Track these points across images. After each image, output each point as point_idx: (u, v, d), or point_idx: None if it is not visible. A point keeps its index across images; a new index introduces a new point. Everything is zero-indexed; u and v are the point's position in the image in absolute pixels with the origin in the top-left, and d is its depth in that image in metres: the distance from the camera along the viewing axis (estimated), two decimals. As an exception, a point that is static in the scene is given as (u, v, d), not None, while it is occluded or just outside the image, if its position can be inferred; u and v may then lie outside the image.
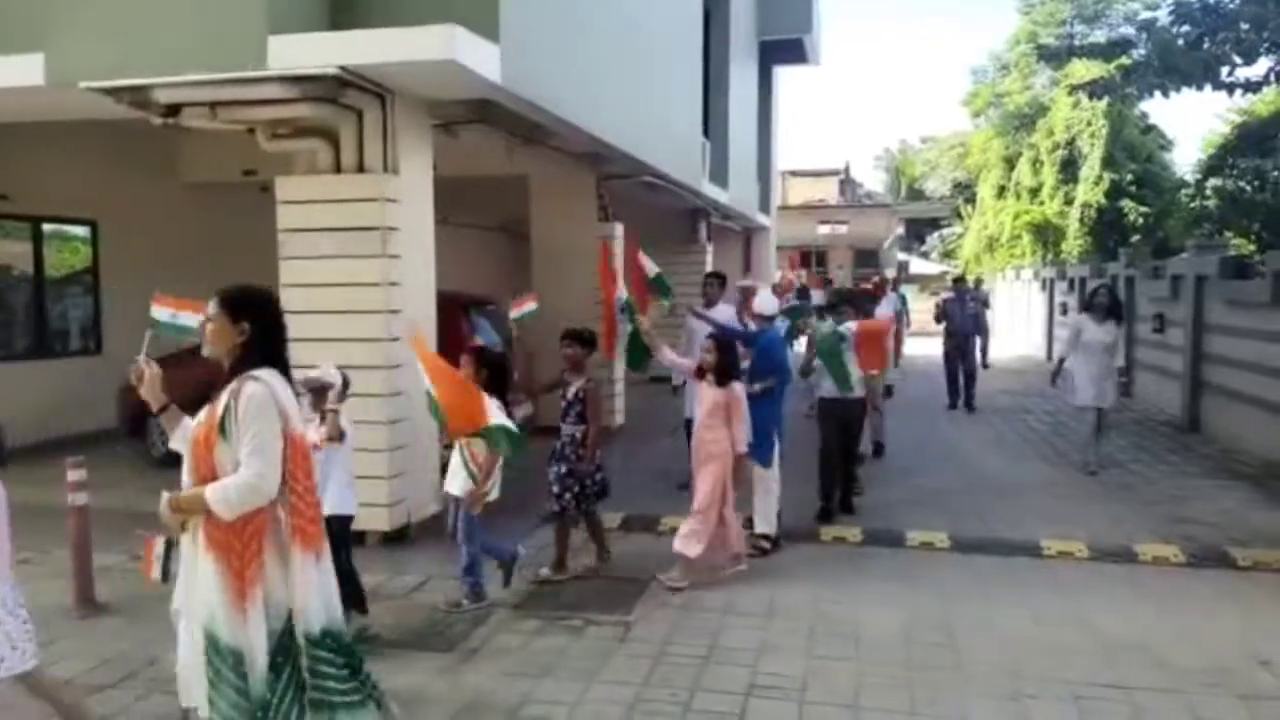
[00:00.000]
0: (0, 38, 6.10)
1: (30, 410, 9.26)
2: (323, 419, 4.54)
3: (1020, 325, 23.16)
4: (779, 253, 24.21)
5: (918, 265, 43.34)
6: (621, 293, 6.43)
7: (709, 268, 15.86)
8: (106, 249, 10.83)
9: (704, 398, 5.70)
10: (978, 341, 12.99)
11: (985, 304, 15.49)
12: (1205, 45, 10.40)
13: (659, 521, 6.82)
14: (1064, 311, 18.87)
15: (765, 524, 6.17)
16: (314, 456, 4.11)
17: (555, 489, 5.64)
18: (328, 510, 4.05)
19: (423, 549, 6.17)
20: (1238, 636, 4.82)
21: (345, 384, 4.71)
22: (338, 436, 4.56)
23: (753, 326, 7.22)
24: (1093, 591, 5.52)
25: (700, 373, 5.74)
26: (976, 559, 6.16)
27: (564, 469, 5.62)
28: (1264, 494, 7.87)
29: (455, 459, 5.13)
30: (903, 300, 14.99)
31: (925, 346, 17.21)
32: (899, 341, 13.78)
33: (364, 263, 6.15)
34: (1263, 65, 10.58)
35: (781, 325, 7.33)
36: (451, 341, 8.03)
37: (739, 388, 5.70)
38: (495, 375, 5.14)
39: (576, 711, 4.01)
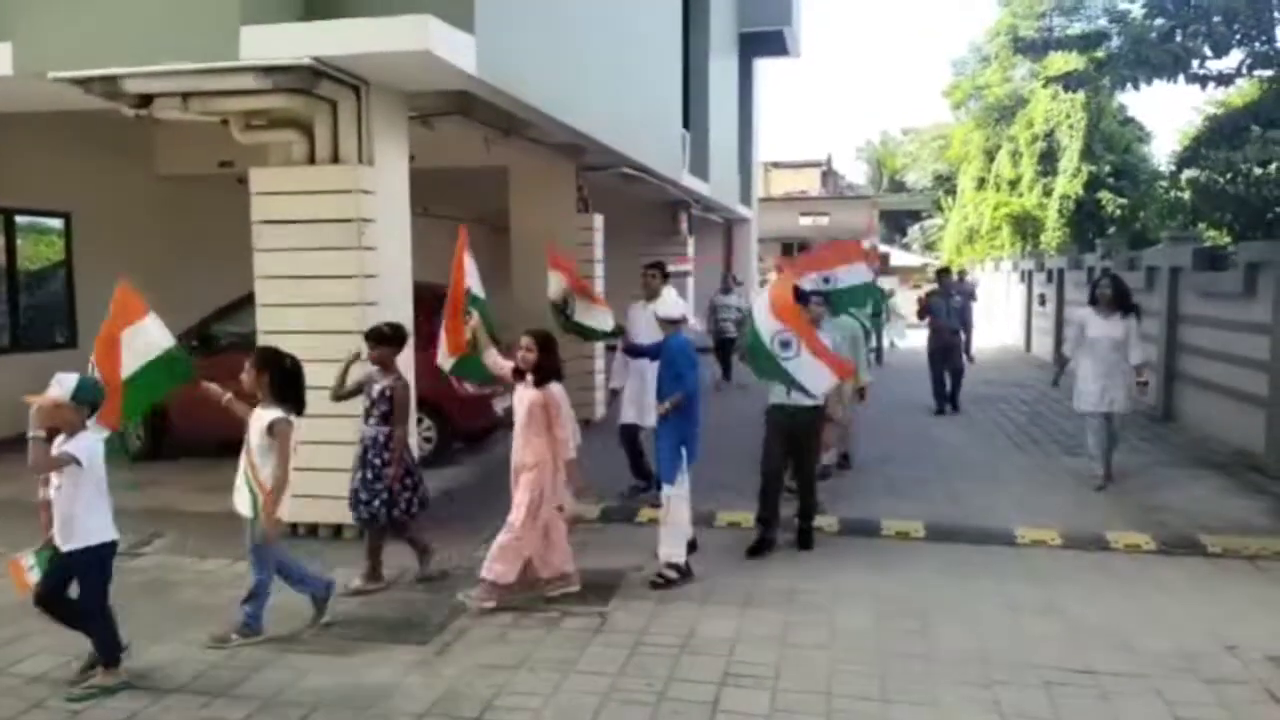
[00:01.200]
0: (-33, 27, 6.03)
1: (4, 405, 9.15)
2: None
3: (1000, 316, 23.31)
4: (760, 244, 24.26)
5: (899, 257, 43.52)
6: (471, 287, 5.72)
7: (690, 259, 15.93)
8: (80, 241, 10.73)
9: (521, 400, 5.15)
10: (963, 338, 12.18)
11: (971, 296, 14.78)
12: (1177, 38, 10.47)
13: (637, 513, 6.84)
14: (1042, 302, 19.02)
15: (670, 549, 5.45)
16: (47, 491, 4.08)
17: (363, 496, 5.24)
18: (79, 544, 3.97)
19: (398, 542, 6.15)
20: (1206, 622, 4.89)
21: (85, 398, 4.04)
22: (43, 468, 3.97)
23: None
24: (1065, 578, 5.58)
25: (519, 373, 5.20)
26: (951, 547, 6.22)
27: (369, 474, 5.23)
28: (1235, 482, 7.98)
29: (239, 475, 4.58)
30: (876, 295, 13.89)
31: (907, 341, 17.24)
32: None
33: (339, 255, 6.12)
34: (1235, 58, 10.68)
35: (690, 331, 6.25)
36: (430, 333, 8.03)
37: (557, 389, 5.13)
38: (282, 378, 4.58)
39: (552, 702, 4.02)
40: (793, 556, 6.02)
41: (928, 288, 15.03)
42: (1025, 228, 27.31)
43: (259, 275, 6.28)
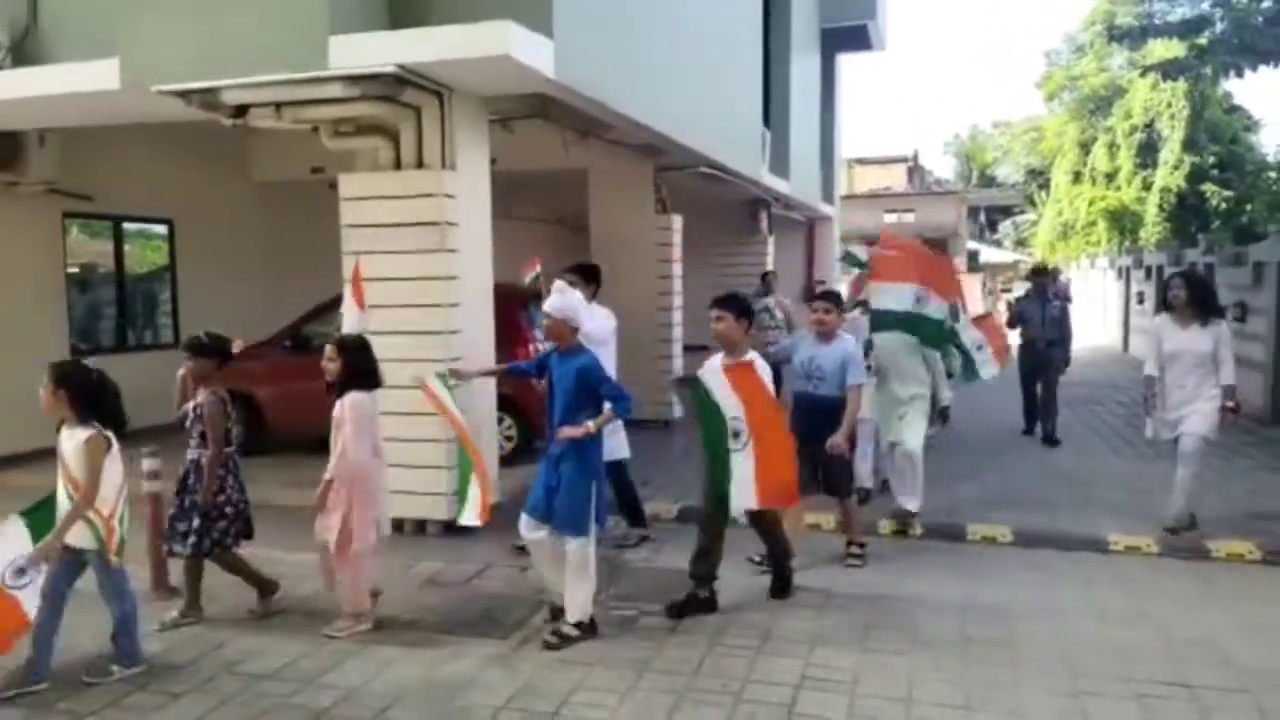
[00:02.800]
0: (79, 44, 6.38)
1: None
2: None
3: (1096, 315, 22.51)
4: (842, 243, 23.91)
5: (989, 254, 42.39)
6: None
7: (770, 259, 15.79)
8: (183, 246, 11.23)
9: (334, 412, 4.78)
10: (1058, 350, 9.88)
11: (1068, 299, 12.94)
12: (1286, 21, 9.96)
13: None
14: (1140, 300, 18.30)
15: (575, 609, 4.71)
16: None
17: (180, 526, 4.84)
18: None
19: (482, 537, 6.27)
20: (1314, 636, 4.64)
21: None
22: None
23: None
24: (1161, 588, 5.37)
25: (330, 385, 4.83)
26: (1040, 553, 6.03)
27: (188, 501, 4.85)
28: (1350, 489, 7.54)
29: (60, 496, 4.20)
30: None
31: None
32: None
33: (424, 257, 6.27)
34: (1352, 40, 10.10)
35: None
36: (511, 335, 8.17)
37: (355, 400, 4.71)
38: (81, 394, 4.22)
39: (627, 700, 4.05)
40: (872, 559, 5.92)
41: (1018, 291, 13.84)
42: (1123, 222, 26.32)
43: (347, 278, 6.47)
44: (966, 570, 5.72)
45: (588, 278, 6.18)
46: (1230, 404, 6.16)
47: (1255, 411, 11.03)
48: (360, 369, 4.77)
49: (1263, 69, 9.89)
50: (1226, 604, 5.11)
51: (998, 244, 47.77)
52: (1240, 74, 9.99)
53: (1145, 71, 15.63)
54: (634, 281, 10.11)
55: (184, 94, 6.13)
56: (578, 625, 4.68)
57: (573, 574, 4.68)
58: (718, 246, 15.05)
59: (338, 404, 4.73)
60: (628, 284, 10.18)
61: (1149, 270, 17.56)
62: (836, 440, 5.49)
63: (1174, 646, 4.54)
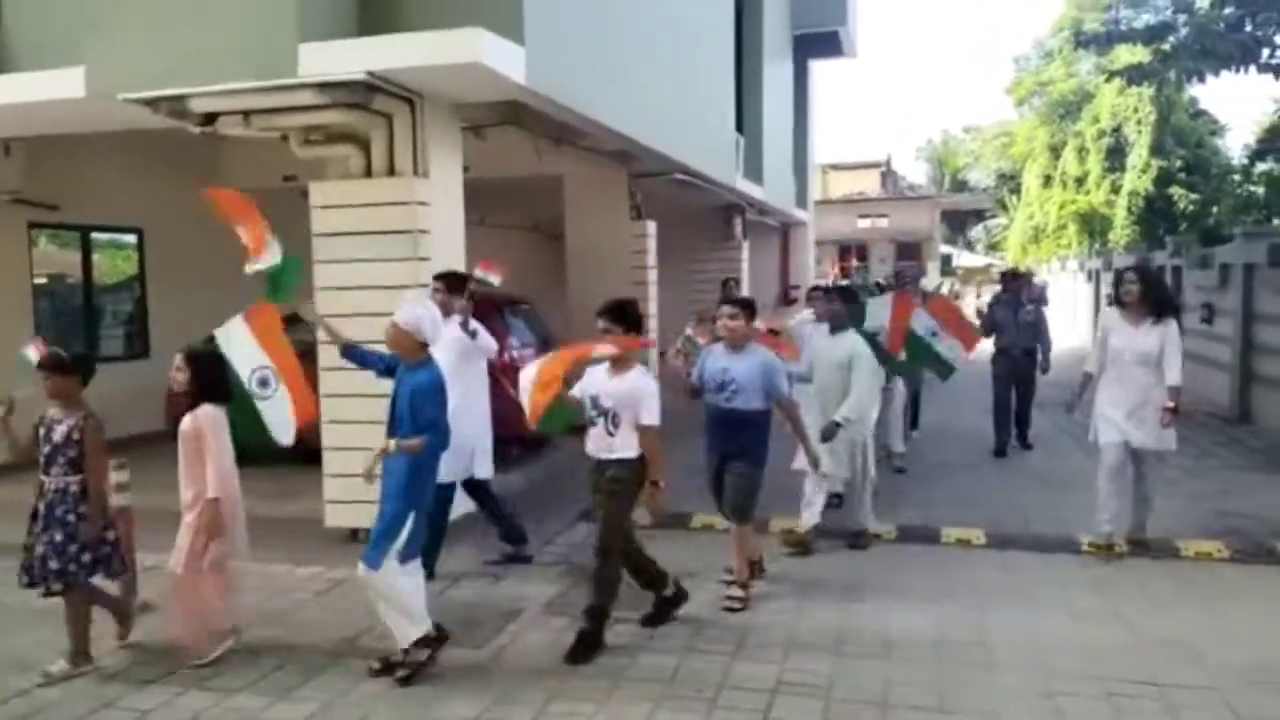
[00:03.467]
0: (43, 52, 6.30)
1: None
2: None
3: (1067, 317, 22.77)
4: (818, 248, 24.05)
5: (961, 258, 42.76)
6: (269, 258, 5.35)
7: (745, 264, 15.85)
8: (152, 255, 11.10)
9: (183, 426, 4.54)
10: (1038, 358, 9.31)
11: (1043, 302, 11.73)
12: (1247, 27, 10.11)
13: (690, 518, 6.83)
14: (1109, 302, 18.52)
15: (401, 637, 4.37)
16: None
17: (54, 565, 4.31)
18: None
19: (458, 547, 6.24)
20: (1281, 633, 4.71)
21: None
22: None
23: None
24: (1132, 587, 5.42)
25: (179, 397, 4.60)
26: (1012, 555, 6.08)
27: (60, 535, 4.32)
28: (1315, 487, 7.66)
29: None
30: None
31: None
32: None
33: (395, 265, 6.23)
34: (1312, 46, 10.29)
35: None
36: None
37: (211, 412, 4.48)
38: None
39: (603, 708, 4.04)
40: (848, 559, 5.95)
41: (988, 295, 12.43)
42: (1093, 225, 26.68)
43: (319, 287, 6.43)
44: (940, 573, 5.75)
45: (452, 286, 5.80)
46: (1171, 404, 5.81)
47: (1222, 411, 11.20)
48: (211, 381, 4.55)
49: (1224, 74, 10.05)
50: (1196, 603, 5.18)
51: (970, 247, 48.24)
52: (1202, 79, 10.15)
53: (1111, 77, 15.83)
54: (609, 287, 10.01)
55: (151, 102, 6.07)
56: (419, 643, 4.33)
57: (383, 607, 4.34)
58: (692, 252, 15.10)
59: (189, 418, 4.46)
60: (602, 290, 10.10)
61: (1118, 273, 17.77)
62: (806, 464, 5.61)
63: (1145, 645, 4.59)
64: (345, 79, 5.69)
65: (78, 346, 10.23)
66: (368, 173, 6.38)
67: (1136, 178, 24.52)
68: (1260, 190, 13.40)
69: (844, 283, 14.80)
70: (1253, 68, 10.13)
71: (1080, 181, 28.11)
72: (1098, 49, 16.80)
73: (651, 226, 10.96)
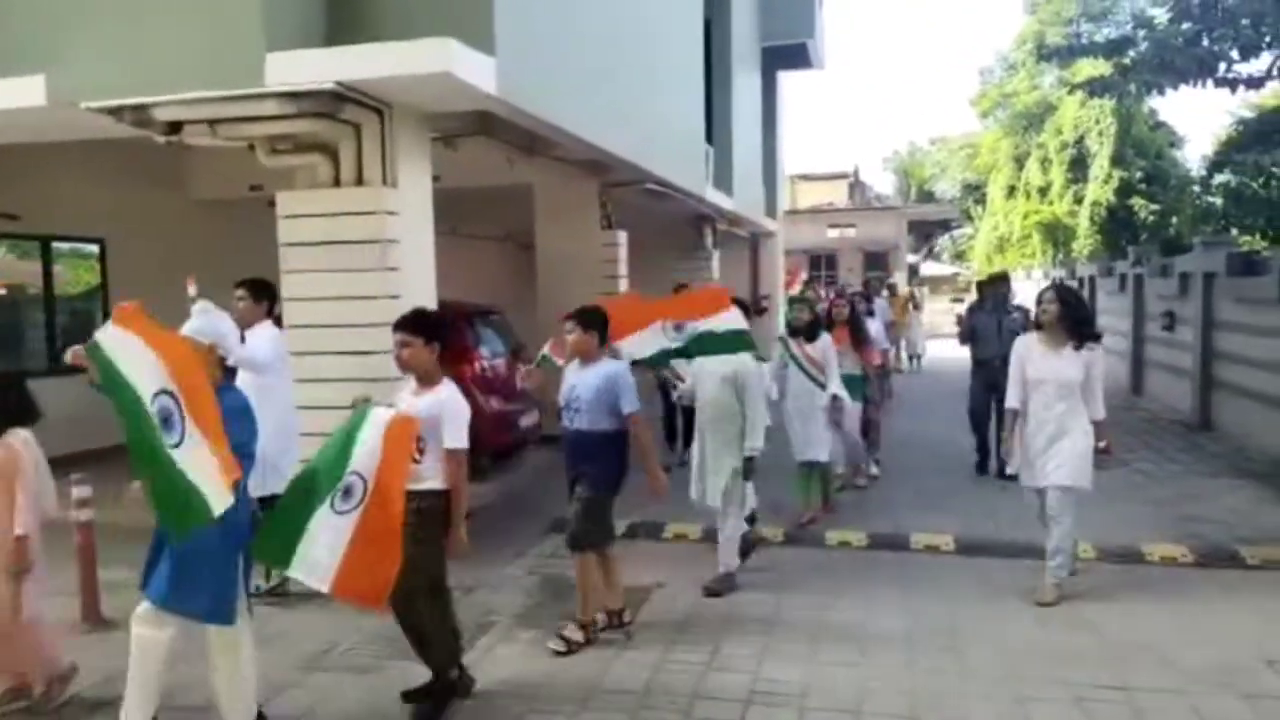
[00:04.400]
0: (3, 60, 6.18)
1: (43, 427, 9.34)
2: None
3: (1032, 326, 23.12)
4: (787, 257, 24.20)
5: (928, 268, 43.20)
6: None
7: (716, 274, 15.90)
8: (115, 266, 10.94)
9: None
10: None
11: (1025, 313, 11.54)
12: (1204, 42, 10.34)
13: (663, 528, 6.83)
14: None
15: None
16: None
17: None
18: None
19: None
20: (1245, 636, 4.78)
21: None
22: None
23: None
24: (1098, 592, 5.49)
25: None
26: (982, 561, 6.14)
27: None
28: (1274, 492, 7.81)
29: None
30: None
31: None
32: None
33: (364, 276, 6.17)
34: (1265, 61, 10.53)
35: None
36: (455, 352, 8.09)
37: (22, 440, 4.16)
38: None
39: (576, 720, 4.02)
40: (816, 572, 5.96)
41: (969, 302, 11.12)
42: (1056, 235, 27.10)
43: (286, 297, 6.36)
44: (911, 579, 5.79)
45: (258, 295, 5.60)
46: (1102, 444, 5.30)
47: (1184, 417, 11.39)
48: (11, 409, 4.19)
49: (1183, 88, 10.27)
50: (1162, 607, 5.25)
51: (936, 257, 48.77)
52: (1161, 92, 10.37)
53: (1074, 89, 16.12)
54: (580, 297, 9.99)
55: (115, 111, 5.97)
56: None
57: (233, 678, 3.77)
58: (663, 262, 15.11)
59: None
60: (574, 300, 10.09)
61: (1081, 281, 18.06)
62: (655, 487, 4.85)
63: (1112, 650, 4.64)
64: (313, 89, 5.63)
65: (38, 359, 10.09)
66: (336, 182, 6.32)
67: (1098, 188, 24.95)
68: (1219, 201, 13.67)
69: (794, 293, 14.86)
70: (1209, 81, 10.36)
71: (1044, 192, 28.55)
72: (1060, 62, 17.11)
73: (622, 236, 10.97)
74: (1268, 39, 10.03)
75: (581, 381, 4.83)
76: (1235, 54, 10.21)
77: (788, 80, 21.37)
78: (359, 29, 5.91)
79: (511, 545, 6.39)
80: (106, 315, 10.86)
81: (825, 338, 7.03)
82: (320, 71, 5.59)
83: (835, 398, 6.88)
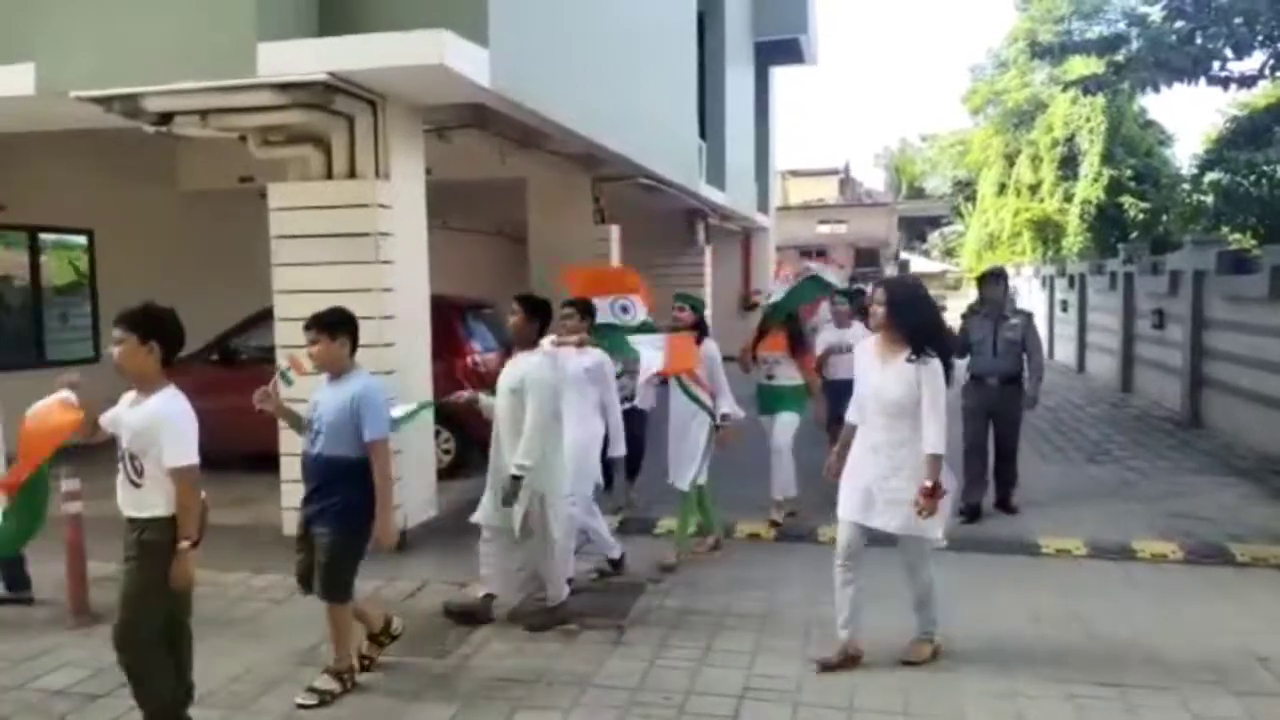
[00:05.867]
0: (-9, 48, 6.12)
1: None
2: None
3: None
4: (778, 253, 24.23)
5: (918, 264, 43.34)
6: None
7: (708, 269, 15.91)
8: (104, 257, 10.86)
9: None
10: (1017, 390, 7.05)
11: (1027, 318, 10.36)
12: (1197, 40, 10.37)
13: (655, 524, 6.81)
14: (1064, 309, 18.88)
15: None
16: None
17: None
18: None
19: (419, 554, 6.16)
20: (1235, 633, 4.79)
21: None
22: None
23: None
24: (1090, 589, 5.50)
25: None
26: (973, 557, 6.14)
27: None
28: (1263, 489, 7.85)
29: None
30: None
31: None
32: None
33: (356, 268, 6.14)
34: (1257, 59, 10.58)
35: None
36: (447, 346, 8.06)
37: None
38: None
39: (570, 716, 4.00)
40: (808, 569, 5.96)
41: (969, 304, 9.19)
42: (1046, 233, 27.16)
43: (277, 290, 6.33)
44: (902, 577, 5.77)
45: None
46: (929, 483, 4.12)
47: (1173, 415, 11.44)
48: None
49: (1176, 85, 10.29)
50: (1152, 603, 5.26)
51: (926, 254, 48.91)
52: (1156, 89, 10.37)
53: (1067, 87, 16.16)
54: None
55: (104, 101, 5.93)
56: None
57: None
58: (656, 257, 15.12)
59: None
60: (566, 294, 10.14)
61: (1072, 279, 18.12)
62: (381, 538, 4.17)
63: (1104, 647, 4.65)
64: (306, 79, 5.60)
65: (25, 351, 10.00)
66: (328, 174, 6.29)
67: (1089, 186, 25.02)
68: (1209, 199, 13.73)
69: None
70: (1202, 79, 10.39)
71: (1034, 189, 28.63)
72: (1052, 60, 17.15)
73: (615, 231, 10.96)
74: (1260, 37, 10.06)
75: (325, 400, 4.15)
76: (1229, 52, 10.24)
77: (780, 75, 21.37)
78: (352, 19, 5.88)
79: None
80: (94, 307, 10.87)
81: (709, 344, 5.99)
82: (313, 62, 5.56)
83: (725, 416, 5.83)
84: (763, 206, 19.77)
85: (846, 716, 3.98)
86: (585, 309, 5.34)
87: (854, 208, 40.73)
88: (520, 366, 4.83)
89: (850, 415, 4.54)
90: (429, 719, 3.99)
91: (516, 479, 4.69)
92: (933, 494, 4.13)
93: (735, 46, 15.58)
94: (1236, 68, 10.65)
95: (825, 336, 7.43)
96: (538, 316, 4.88)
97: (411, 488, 6.46)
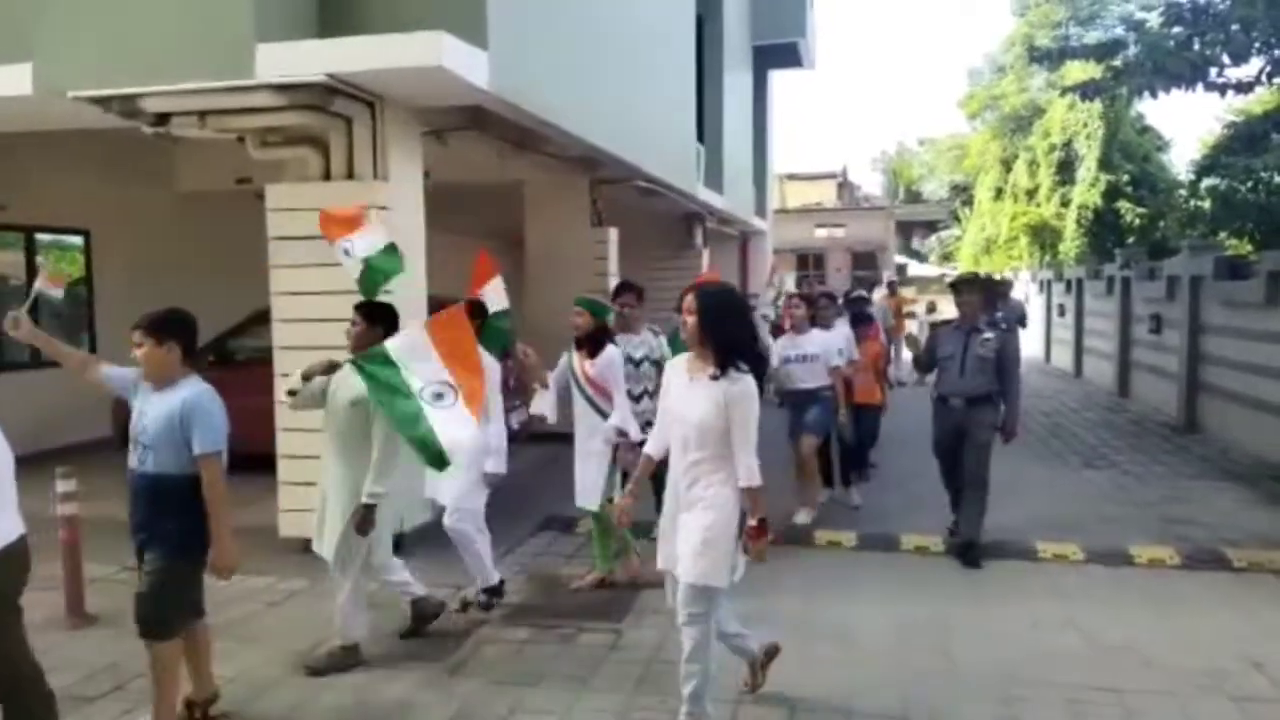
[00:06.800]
0: (-11, 48, 6.11)
1: (25, 421, 9.25)
2: None
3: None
4: (776, 256, 24.25)
5: (916, 268, 43.38)
6: None
7: (704, 272, 15.89)
8: (100, 258, 10.84)
9: None
10: (988, 412, 6.15)
11: (1020, 323, 9.96)
12: (1195, 46, 10.40)
13: (653, 527, 6.79)
14: (1061, 313, 18.90)
15: None
16: None
17: None
18: None
19: (412, 559, 6.14)
20: (1232, 638, 4.80)
21: None
22: None
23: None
24: (1087, 594, 5.50)
25: None
26: (970, 562, 6.14)
27: None
28: (1259, 494, 7.86)
29: None
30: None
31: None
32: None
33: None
34: (1254, 66, 10.60)
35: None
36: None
37: None
38: None
39: (568, 718, 3.99)
40: (806, 572, 5.96)
41: (930, 310, 8.95)
42: (1043, 237, 27.19)
43: (275, 291, 6.31)
44: (901, 579, 5.79)
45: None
46: (753, 522, 3.58)
47: (1169, 419, 11.46)
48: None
49: (1174, 91, 10.31)
50: (1149, 609, 5.26)
51: (923, 258, 49.00)
52: (1155, 95, 10.39)
53: (1065, 92, 16.19)
54: (569, 294, 10.01)
55: (102, 101, 5.92)
56: None
57: None
58: (653, 260, 15.10)
59: None
60: (563, 297, 10.08)
61: (1069, 284, 18.15)
62: (219, 566, 3.74)
63: (1102, 651, 4.65)
64: (304, 80, 5.59)
65: (20, 352, 9.97)
66: (326, 176, 6.28)
67: (1086, 191, 25.06)
68: (1206, 205, 13.76)
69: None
70: (1200, 85, 10.41)
71: (1031, 194, 28.67)
72: (1050, 65, 17.18)
73: (612, 233, 10.94)
74: (1258, 44, 10.10)
75: (150, 409, 3.72)
76: (1226, 58, 10.27)
77: (778, 79, 21.40)
78: (351, 21, 5.87)
79: (501, 543, 6.32)
80: (90, 308, 10.82)
81: (610, 351, 5.45)
82: (312, 63, 5.56)
83: (620, 431, 5.36)
84: (760, 210, 19.78)
85: (844, 718, 3.98)
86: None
87: (851, 211, 40.75)
88: (354, 378, 4.26)
89: (650, 445, 3.97)
90: (425, 722, 3.98)
91: (370, 507, 4.32)
92: (760, 533, 3.59)
93: (733, 50, 15.59)
94: (1234, 74, 10.68)
95: (780, 345, 7.19)
96: (380, 324, 4.52)
97: (404, 492, 6.43)
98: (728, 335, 3.60)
